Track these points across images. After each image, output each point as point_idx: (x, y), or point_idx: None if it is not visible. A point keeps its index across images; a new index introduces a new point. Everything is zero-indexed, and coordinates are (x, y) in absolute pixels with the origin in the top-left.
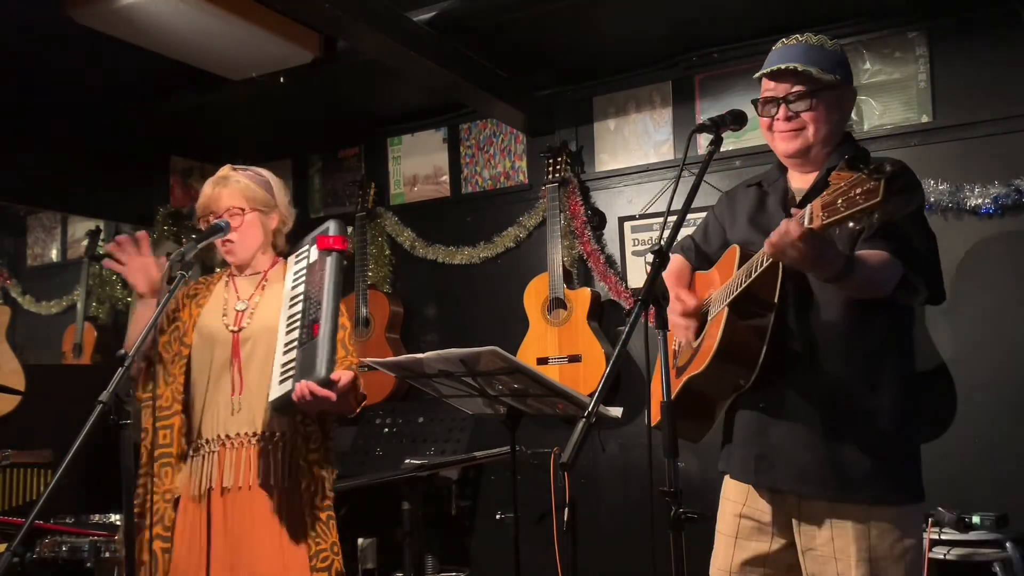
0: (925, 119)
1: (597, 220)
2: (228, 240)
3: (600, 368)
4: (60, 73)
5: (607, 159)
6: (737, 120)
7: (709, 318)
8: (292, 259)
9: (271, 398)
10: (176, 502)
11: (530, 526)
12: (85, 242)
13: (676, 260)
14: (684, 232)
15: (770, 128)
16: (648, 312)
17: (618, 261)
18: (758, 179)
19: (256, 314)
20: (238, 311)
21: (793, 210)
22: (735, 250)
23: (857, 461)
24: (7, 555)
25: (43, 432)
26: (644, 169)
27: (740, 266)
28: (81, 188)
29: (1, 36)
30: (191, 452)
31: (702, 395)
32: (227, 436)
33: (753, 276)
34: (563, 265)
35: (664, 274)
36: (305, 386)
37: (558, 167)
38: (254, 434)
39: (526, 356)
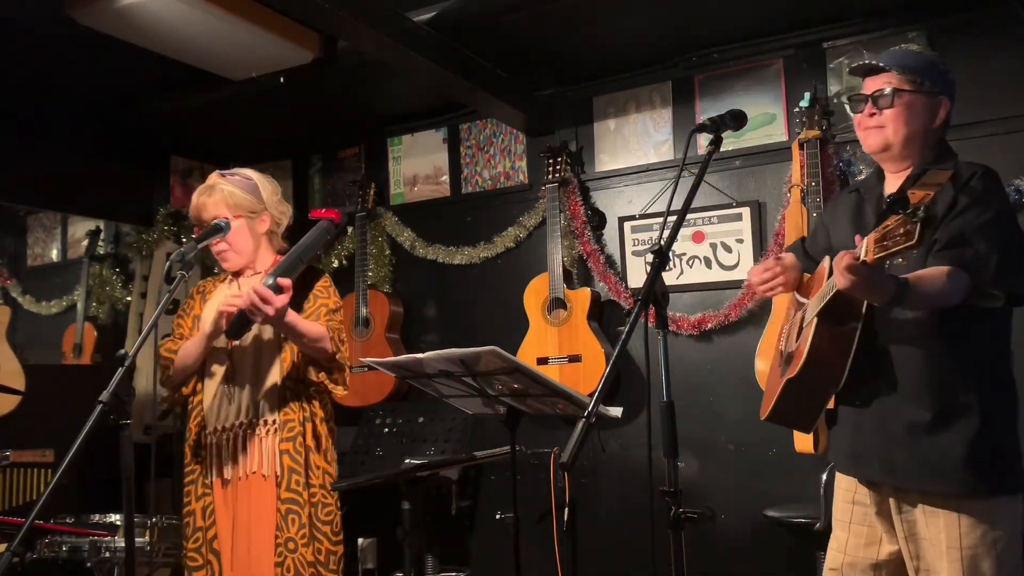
0: None
1: (597, 220)
2: (221, 249)
3: (600, 368)
4: (60, 73)
5: (607, 159)
6: (736, 120)
7: (803, 324)
8: None
9: (226, 328)
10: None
11: (530, 526)
12: (85, 242)
13: (787, 256)
14: (685, 232)
15: (859, 126)
16: (648, 312)
17: (618, 261)
18: (858, 185)
19: None
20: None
21: (857, 238)
22: (826, 261)
23: (944, 456)
24: (7, 555)
25: (43, 432)
26: (644, 169)
27: (828, 278)
28: (81, 188)
29: (2, 36)
30: (204, 444)
31: (801, 393)
32: (223, 427)
33: (830, 295)
34: (563, 265)
35: None
36: (252, 289)
37: (558, 167)
38: (241, 424)
39: (526, 356)
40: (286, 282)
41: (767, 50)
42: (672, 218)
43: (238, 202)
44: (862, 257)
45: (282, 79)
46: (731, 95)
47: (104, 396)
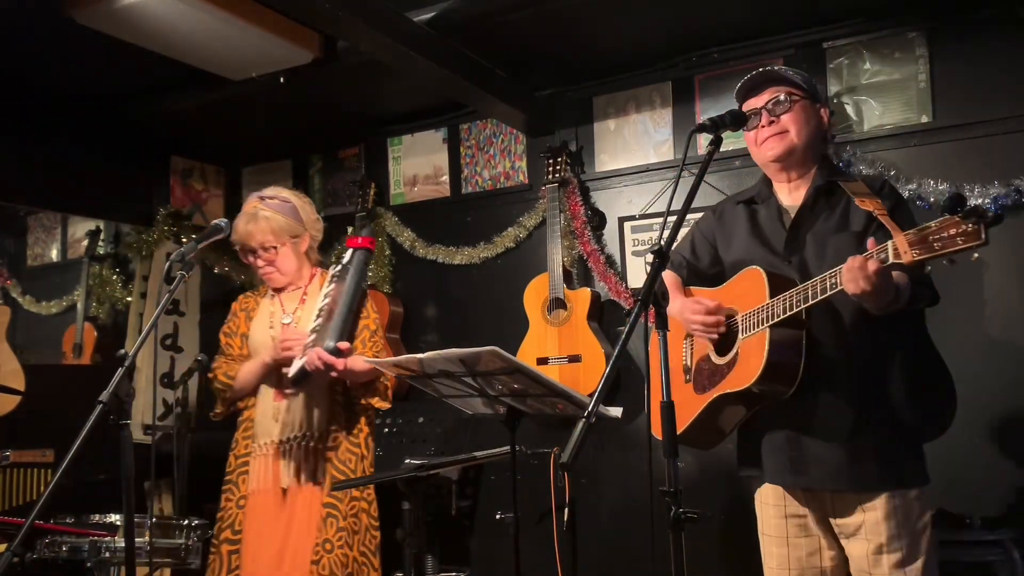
0: (925, 119)
1: (597, 220)
2: (267, 272)
3: (600, 368)
4: (61, 73)
5: (607, 159)
6: (737, 120)
7: (743, 336)
8: (331, 268)
9: (289, 376)
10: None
11: (530, 526)
12: (85, 242)
13: (669, 276)
14: (685, 232)
15: (756, 141)
16: (648, 312)
17: (618, 261)
18: (746, 196)
19: (299, 326)
20: (284, 324)
21: (870, 242)
22: (758, 273)
23: (880, 454)
24: (7, 555)
25: (43, 432)
26: (644, 169)
27: (773, 289)
28: (81, 188)
29: (1, 36)
30: (253, 455)
31: (730, 409)
32: (279, 440)
33: (819, 298)
34: (563, 265)
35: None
36: (314, 353)
37: (558, 167)
38: (296, 437)
39: (526, 356)
40: (345, 346)
41: (767, 50)
42: (672, 218)
43: (282, 227)
44: (891, 260)
45: (282, 79)
46: (731, 95)
47: (104, 396)
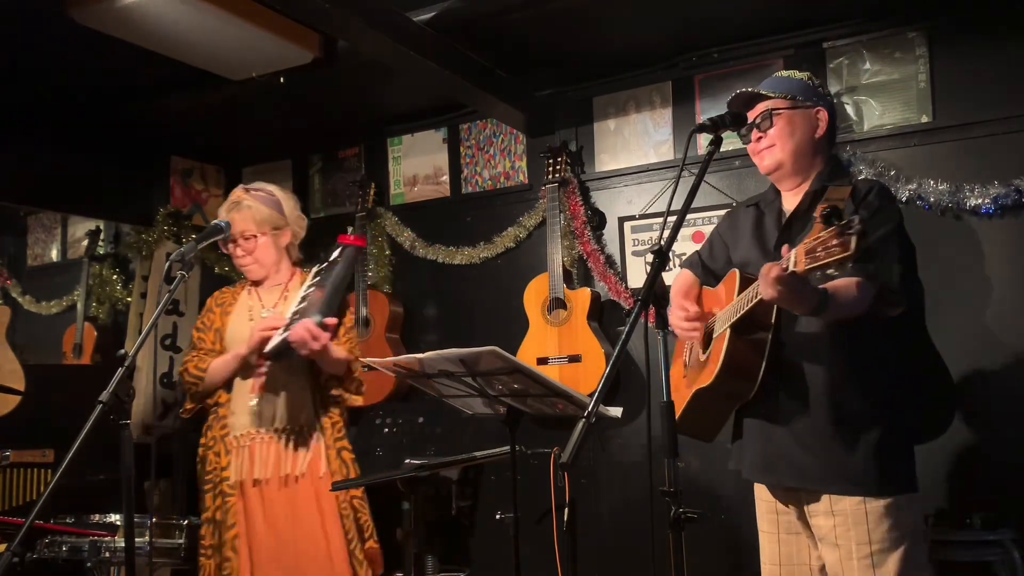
0: (925, 119)
1: (597, 220)
2: (245, 263)
3: (600, 368)
4: (60, 73)
5: (607, 159)
6: (736, 120)
7: (714, 336)
8: (315, 267)
9: (267, 349)
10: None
11: (530, 526)
12: (85, 242)
13: (685, 275)
14: (685, 232)
15: (753, 152)
16: (648, 312)
17: (618, 261)
18: (756, 200)
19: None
20: (263, 318)
21: (784, 249)
22: (735, 274)
23: (848, 459)
24: (7, 555)
25: (43, 432)
26: (644, 169)
27: (740, 290)
28: (81, 188)
29: (2, 36)
30: (229, 449)
31: (711, 403)
32: (255, 431)
33: (748, 306)
34: (563, 265)
35: (672, 290)
36: (301, 324)
37: (558, 167)
38: (278, 429)
39: (526, 356)
40: (332, 321)
41: (767, 50)
42: (672, 218)
43: (264, 218)
44: (791, 268)
45: (282, 79)
46: (731, 95)
47: (104, 396)
